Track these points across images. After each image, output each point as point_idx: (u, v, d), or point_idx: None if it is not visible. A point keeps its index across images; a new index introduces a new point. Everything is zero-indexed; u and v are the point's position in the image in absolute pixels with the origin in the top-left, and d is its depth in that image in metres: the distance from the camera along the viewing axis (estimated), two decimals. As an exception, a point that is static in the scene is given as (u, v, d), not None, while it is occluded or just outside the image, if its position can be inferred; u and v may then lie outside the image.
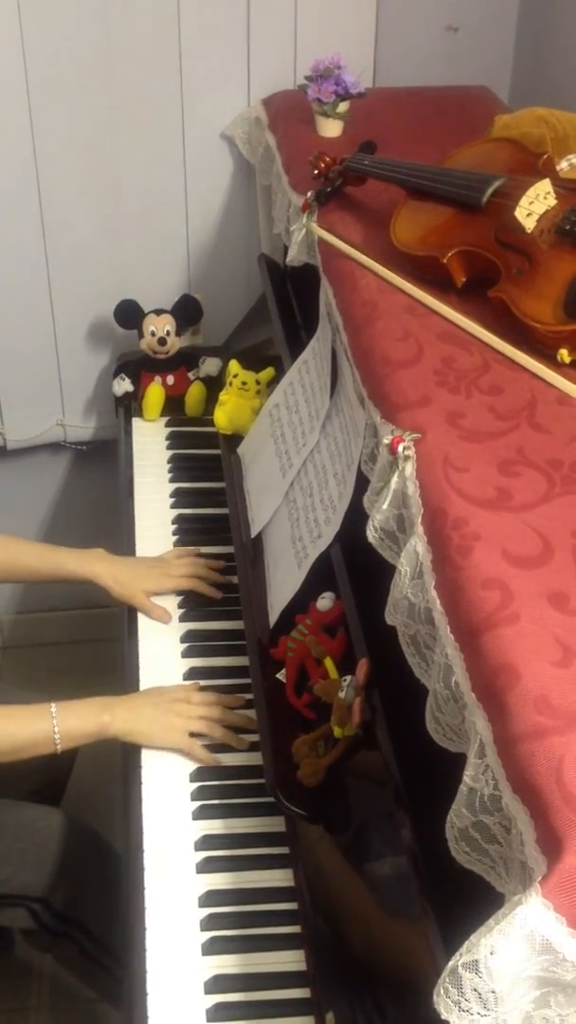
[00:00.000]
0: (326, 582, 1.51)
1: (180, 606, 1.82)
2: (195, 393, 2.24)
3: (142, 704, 1.60)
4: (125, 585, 1.79)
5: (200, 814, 1.51)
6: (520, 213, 1.34)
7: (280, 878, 1.44)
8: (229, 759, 1.59)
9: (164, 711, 1.58)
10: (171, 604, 1.82)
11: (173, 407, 2.25)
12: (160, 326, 2.21)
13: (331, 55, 1.86)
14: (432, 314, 1.37)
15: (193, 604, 1.83)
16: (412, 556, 1.09)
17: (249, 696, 1.60)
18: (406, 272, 1.44)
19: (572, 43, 2.00)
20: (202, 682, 1.69)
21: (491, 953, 0.79)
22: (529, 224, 1.33)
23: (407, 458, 1.14)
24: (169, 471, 2.11)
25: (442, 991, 0.82)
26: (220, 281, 2.38)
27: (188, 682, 1.69)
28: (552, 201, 1.34)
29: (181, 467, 2.12)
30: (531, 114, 1.64)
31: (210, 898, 1.42)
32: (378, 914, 1.26)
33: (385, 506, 1.17)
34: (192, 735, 1.58)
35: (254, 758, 1.55)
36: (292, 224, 1.75)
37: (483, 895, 0.91)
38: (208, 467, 2.08)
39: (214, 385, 2.21)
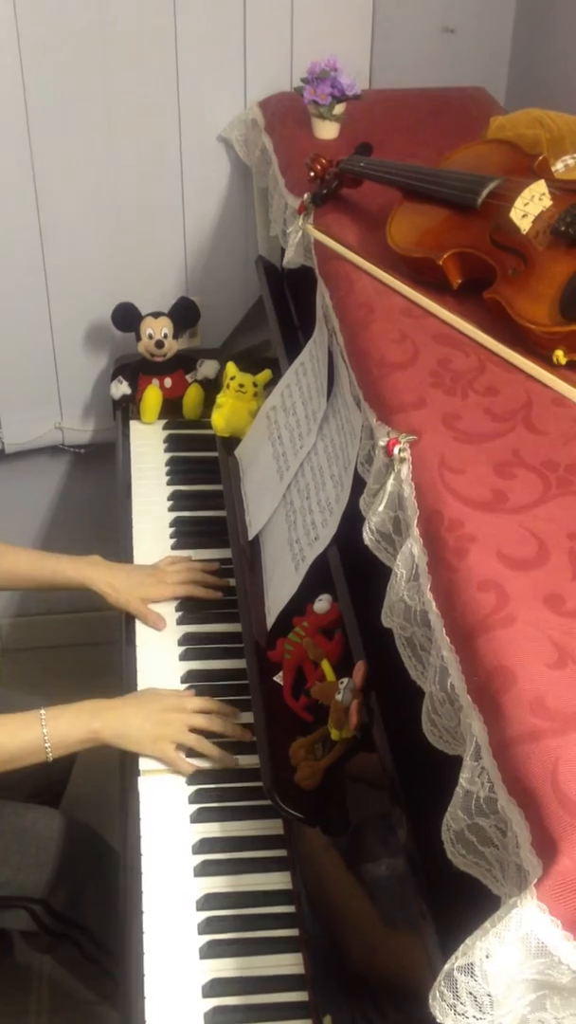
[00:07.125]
0: (323, 584, 1.51)
1: (178, 609, 1.82)
2: (192, 396, 2.25)
3: (133, 712, 1.58)
4: (121, 592, 1.80)
5: (198, 817, 1.51)
6: (515, 214, 1.34)
7: (278, 881, 1.44)
8: (227, 762, 1.59)
9: (155, 721, 1.56)
10: (169, 608, 1.82)
11: (171, 410, 2.26)
12: (158, 329, 2.21)
13: (327, 57, 1.85)
14: (428, 316, 1.36)
15: (191, 607, 1.83)
16: (408, 558, 1.09)
17: (246, 698, 1.60)
18: (402, 274, 1.43)
19: (568, 44, 2.00)
20: (199, 685, 1.69)
21: (487, 956, 0.79)
22: (524, 225, 1.33)
23: (403, 460, 1.14)
24: (167, 474, 2.11)
25: (437, 994, 0.81)
26: (217, 284, 2.38)
27: (184, 688, 1.69)
28: (547, 202, 1.34)
29: (179, 470, 2.12)
30: (527, 115, 1.64)
31: (208, 901, 1.42)
32: (375, 918, 1.25)
33: (381, 508, 1.17)
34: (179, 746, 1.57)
35: (251, 761, 1.54)
36: (288, 226, 1.75)
37: (479, 898, 0.91)
38: (205, 470, 2.08)
39: (211, 387, 2.21)
